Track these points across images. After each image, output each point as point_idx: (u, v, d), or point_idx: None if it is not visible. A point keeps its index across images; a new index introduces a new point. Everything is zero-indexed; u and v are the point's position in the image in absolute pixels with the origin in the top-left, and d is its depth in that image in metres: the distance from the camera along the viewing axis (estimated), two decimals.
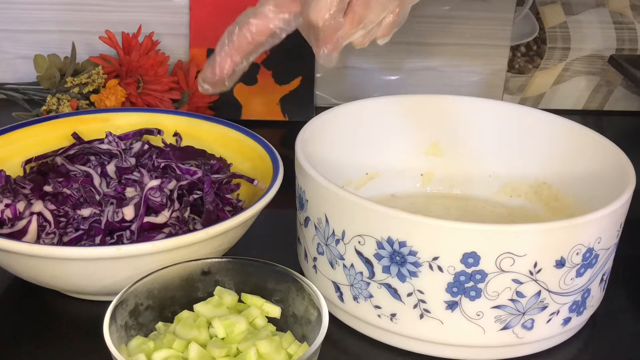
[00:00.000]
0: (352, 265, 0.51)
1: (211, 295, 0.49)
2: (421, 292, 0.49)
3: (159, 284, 0.47)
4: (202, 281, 0.49)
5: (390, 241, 0.48)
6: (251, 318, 0.47)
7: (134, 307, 0.46)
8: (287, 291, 0.48)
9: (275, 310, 0.48)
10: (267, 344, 0.44)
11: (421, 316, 0.50)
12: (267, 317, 0.48)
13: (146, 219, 0.56)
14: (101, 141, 0.64)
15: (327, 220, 0.51)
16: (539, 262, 0.47)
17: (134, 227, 0.55)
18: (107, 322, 0.43)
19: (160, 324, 0.47)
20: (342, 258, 0.51)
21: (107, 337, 0.42)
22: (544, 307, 0.49)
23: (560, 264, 0.48)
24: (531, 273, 0.48)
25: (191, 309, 0.48)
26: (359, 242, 0.50)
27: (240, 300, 0.49)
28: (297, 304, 0.48)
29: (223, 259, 0.49)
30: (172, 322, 0.47)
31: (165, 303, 0.48)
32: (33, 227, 0.55)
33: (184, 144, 0.67)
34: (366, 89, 0.92)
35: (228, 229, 0.52)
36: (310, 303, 0.47)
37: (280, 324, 0.48)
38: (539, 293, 0.49)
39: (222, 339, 0.46)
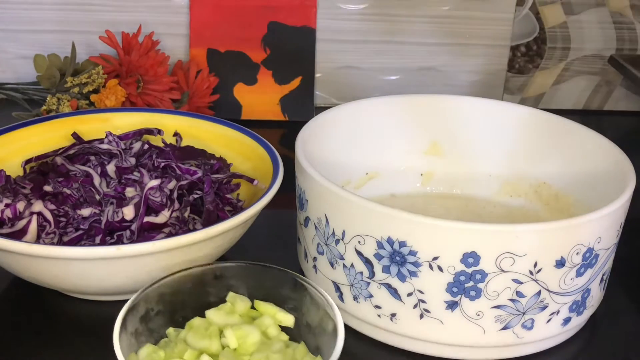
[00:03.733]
0: (352, 265, 0.51)
1: (223, 300, 0.47)
2: (421, 292, 0.49)
3: (170, 288, 0.46)
4: (215, 286, 0.47)
5: (390, 241, 0.48)
6: (264, 327, 0.45)
7: (145, 312, 0.45)
8: (302, 299, 0.46)
9: (289, 320, 0.46)
10: (280, 358, 0.43)
11: (421, 316, 0.50)
12: (279, 325, 0.46)
13: (146, 219, 0.56)
14: (101, 141, 0.64)
15: (327, 220, 0.51)
16: (539, 262, 0.47)
17: (134, 227, 0.55)
18: (117, 330, 0.42)
19: (170, 330, 0.46)
20: (342, 258, 0.51)
21: (117, 347, 0.41)
22: (544, 307, 0.49)
23: (560, 263, 0.48)
24: (531, 273, 0.48)
25: (202, 314, 0.46)
26: (359, 242, 0.50)
27: (253, 307, 0.47)
28: (311, 313, 0.46)
29: (236, 264, 0.48)
30: (182, 327, 0.46)
31: (176, 308, 0.46)
32: (33, 227, 0.55)
33: (184, 144, 0.67)
34: (366, 89, 0.91)
35: (228, 229, 0.52)
36: (325, 314, 0.45)
37: (293, 334, 0.46)
38: (539, 293, 0.49)
39: (234, 349, 0.44)
